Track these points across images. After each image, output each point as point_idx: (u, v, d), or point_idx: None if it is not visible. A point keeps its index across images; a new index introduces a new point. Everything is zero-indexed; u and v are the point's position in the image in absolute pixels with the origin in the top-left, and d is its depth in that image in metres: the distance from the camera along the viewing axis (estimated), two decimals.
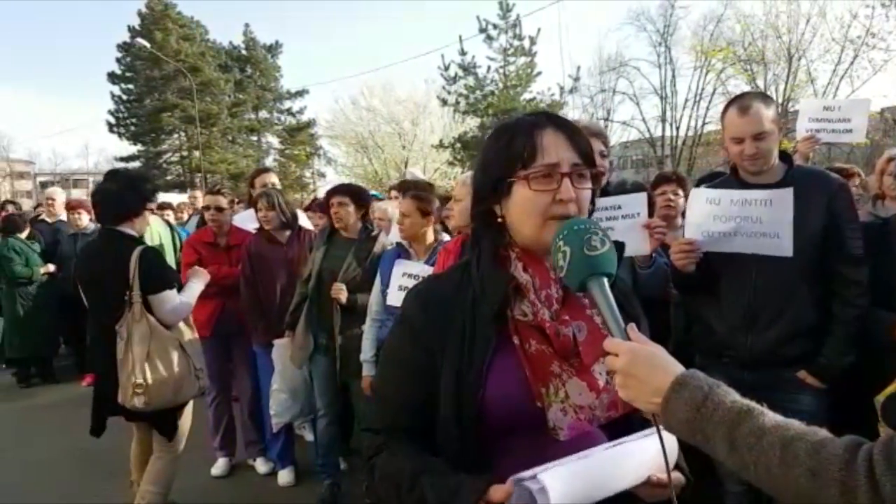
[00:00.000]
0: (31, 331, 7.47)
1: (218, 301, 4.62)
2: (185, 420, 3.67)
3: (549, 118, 1.33)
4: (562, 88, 23.62)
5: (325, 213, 4.83)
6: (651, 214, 2.82)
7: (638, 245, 2.69)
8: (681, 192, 3.93)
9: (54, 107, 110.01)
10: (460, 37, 23.59)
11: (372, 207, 4.59)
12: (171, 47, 39.32)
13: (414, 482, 1.23)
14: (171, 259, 6.07)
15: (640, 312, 1.43)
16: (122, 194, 3.45)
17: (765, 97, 2.81)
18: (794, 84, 26.15)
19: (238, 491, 4.63)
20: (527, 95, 24.04)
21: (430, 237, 3.76)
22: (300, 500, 4.42)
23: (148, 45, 35.89)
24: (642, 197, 2.76)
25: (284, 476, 4.65)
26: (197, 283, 3.76)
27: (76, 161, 62.64)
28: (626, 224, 2.67)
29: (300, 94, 45.32)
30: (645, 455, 1.13)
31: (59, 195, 8.72)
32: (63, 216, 8.35)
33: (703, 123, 28.59)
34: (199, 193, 9.71)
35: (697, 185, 3.25)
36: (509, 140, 1.31)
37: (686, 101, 29.43)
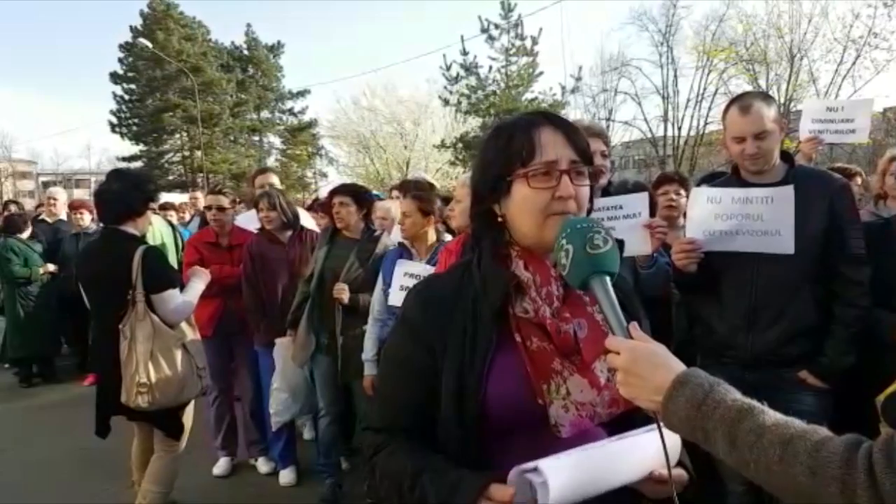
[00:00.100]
0: (32, 331, 7.47)
1: (219, 301, 4.63)
2: (187, 419, 3.67)
3: (546, 117, 1.34)
4: (563, 88, 23.63)
5: (327, 214, 4.84)
6: (653, 214, 2.82)
7: (639, 245, 2.69)
8: (683, 192, 3.93)
9: (55, 107, 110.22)
10: (462, 37, 23.60)
11: (374, 207, 4.59)
12: (172, 47, 39.39)
13: (415, 479, 1.23)
14: (173, 259, 6.08)
15: (641, 312, 1.44)
16: (124, 194, 3.46)
17: (766, 97, 2.81)
18: (796, 84, 26.11)
19: (239, 490, 4.63)
20: (529, 95, 24.02)
21: (432, 237, 3.77)
22: (302, 499, 4.42)
23: (150, 45, 35.92)
24: (643, 197, 2.76)
25: (286, 476, 4.65)
26: (198, 283, 3.76)
27: (78, 161, 62.76)
28: (628, 224, 2.67)
29: (302, 94, 45.46)
30: (647, 450, 1.13)
31: (61, 195, 8.73)
32: (63, 216, 8.36)
33: (705, 123, 28.53)
34: (200, 193, 9.72)
35: (698, 185, 3.25)
36: (508, 139, 1.32)
37: (688, 100, 29.40)
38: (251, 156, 43.00)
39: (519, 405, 1.24)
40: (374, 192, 6.70)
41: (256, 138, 45.98)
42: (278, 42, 45.90)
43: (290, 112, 46.14)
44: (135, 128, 42.58)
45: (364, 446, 1.42)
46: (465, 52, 23.70)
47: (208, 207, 4.87)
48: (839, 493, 0.88)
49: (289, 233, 4.64)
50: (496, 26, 23.25)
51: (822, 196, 2.63)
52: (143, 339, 3.32)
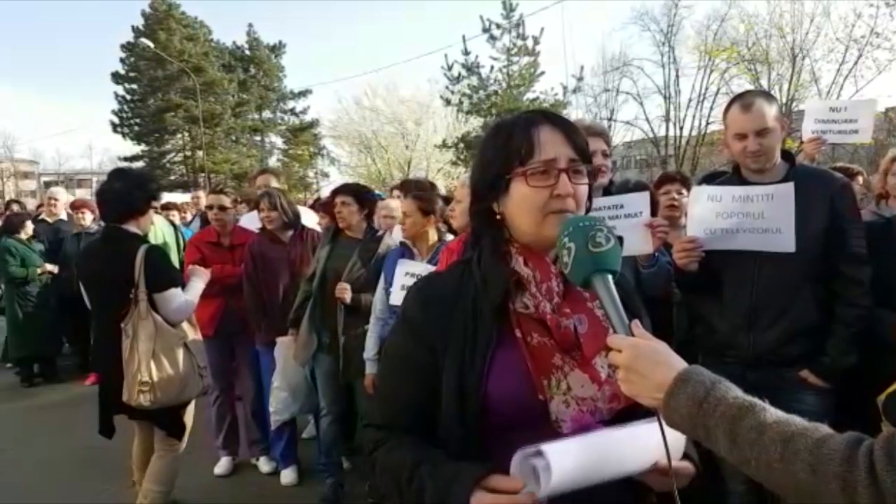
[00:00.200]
0: (31, 331, 7.47)
1: (221, 300, 4.64)
2: (188, 418, 3.68)
3: (545, 115, 1.35)
4: (565, 88, 23.63)
5: (327, 213, 4.85)
6: (654, 214, 2.82)
7: (640, 244, 2.69)
8: (685, 192, 3.92)
9: (55, 107, 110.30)
10: (464, 36, 23.58)
11: (379, 206, 4.60)
12: (174, 47, 39.46)
13: (413, 471, 1.24)
14: (174, 259, 6.08)
15: (642, 310, 1.44)
16: (127, 193, 3.46)
17: (767, 95, 2.81)
18: (798, 84, 26.13)
19: (241, 490, 4.63)
20: (530, 95, 24.02)
21: (433, 237, 3.77)
22: (303, 499, 4.42)
23: (151, 45, 35.97)
24: (645, 196, 2.76)
25: (287, 475, 4.65)
26: (198, 282, 3.77)
27: (80, 161, 62.92)
28: (629, 223, 2.67)
29: (303, 94, 45.52)
30: (651, 440, 1.13)
31: (62, 195, 8.73)
32: (63, 216, 8.36)
33: (707, 123, 28.56)
34: (202, 193, 9.73)
35: (699, 184, 3.25)
36: (507, 138, 1.33)
37: (690, 100, 29.44)
38: (253, 156, 43.05)
39: (520, 401, 1.24)
40: (377, 192, 6.70)
41: (258, 138, 46.02)
42: (280, 42, 46.03)
43: (292, 112, 46.22)
44: (136, 128, 42.65)
45: (364, 442, 1.42)
46: (466, 52, 23.72)
47: (210, 207, 4.88)
48: (840, 491, 0.88)
49: (290, 232, 4.65)
50: (498, 26, 23.24)
51: (822, 195, 2.63)
52: (146, 338, 3.33)
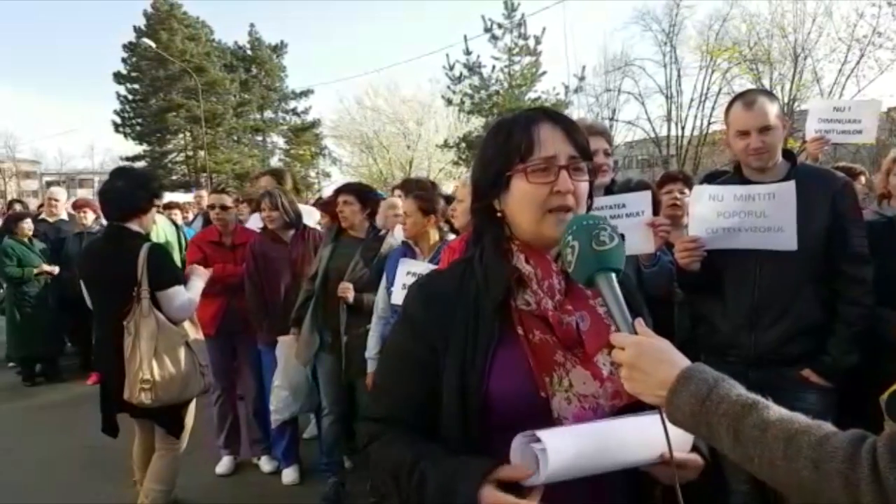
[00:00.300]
0: (31, 330, 7.46)
1: (222, 300, 4.65)
2: (189, 417, 3.68)
3: (545, 113, 1.35)
4: (567, 88, 23.60)
5: (327, 213, 4.86)
6: (656, 213, 2.82)
7: (642, 243, 2.69)
8: (687, 192, 3.91)
9: (55, 107, 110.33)
10: (465, 36, 23.58)
11: (383, 204, 4.61)
12: (176, 47, 39.49)
13: (413, 465, 1.23)
14: (176, 258, 6.08)
15: (644, 309, 1.44)
16: (130, 191, 3.47)
17: (769, 94, 2.82)
18: (800, 83, 26.08)
19: (242, 489, 4.63)
20: (532, 95, 24.01)
21: (434, 236, 3.78)
22: (304, 498, 4.42)
23: (153, 45, 36.00)
24: (646, 195, 2.76)
25: (289, 474, 4.66)
26: (198, 281, 3.77)
27: (82, 161, 62.97)
28: (631, 222, 2.67)
29: (305, 94, 45.53)
30: (657, 432, 1.12)
31: (62, 195, 8.74)
32: (64, 216, 8.36)
33: (709, 123, 28.54)
34: (204, 193, 9.74)
35: (700, 184, 3.25)
36: (507, 135, 1.33)
37: (691, 100, 29.42)
38: (254, 156, 43.07)
39: (521, 399, 1.24)
40: (379, 192, 6.70)
41: (260, 138, 46.06)
42: (281, 42, 46.02)
43: (294, 112, 46.23)
44: (138, 128, 42.69)
45: (360, 435, 1.42)
46: (468, 52, 23.71)
47: (211, 207, 4.89)
48: (842, 488, 0.88)
49: (291, 232, 4.65)
50: (499, 26, 23.23)
51: (824, 195, 2.63)
52: (147, 336, 3.33)
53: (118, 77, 42.60)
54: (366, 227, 4.21)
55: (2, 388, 7.49)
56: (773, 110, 2.64)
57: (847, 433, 0.93)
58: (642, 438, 1.17)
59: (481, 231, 1.41)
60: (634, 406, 1.24)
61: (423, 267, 3.47)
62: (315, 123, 44.15)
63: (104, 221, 5.20)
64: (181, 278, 3.61)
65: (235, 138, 43.17)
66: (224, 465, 4.86)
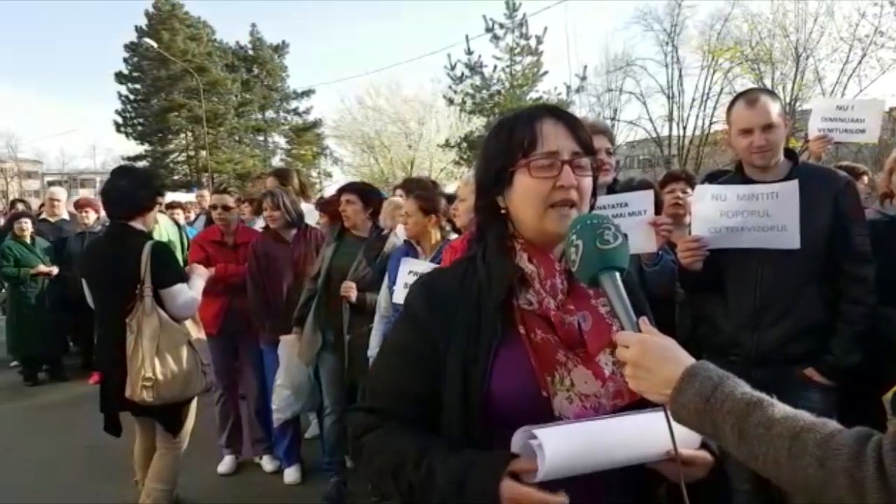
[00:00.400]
0: (31, 331, 7.45)
1: (225, 299, 4.66)
2: (190, 416, 3.68)
3: (548, 110, 1.35)
4: (568, 88, 23.52)
5: (325, 213, 4.86)
6: (658, 213, 2.82)
7: (644, 242, 2.69)
8: (690, 191, 3.91)
9: (55, 107, 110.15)
10: (467, 36, 23.52)
11: (387, 203, 4.61)
12: (177, 47, 39.52)
13: (420, 459, 1.22)
14: (179, 258, 6.08)
15: (647, 308, 1.44)
16: (133, 190, 3.49)
17: (771, 92, 2.83)
18: (802, 83, 26.06)
19: (244, 489, 4.64)
20: (533, 95, 23.94)
21: (436, 236, 3.78)
22: (306, 497, 4.42)
23: (155, 44, 36.02)
24: (649, 194, 2.76)
25: (290, 474, 4.66)
26: (199, 280, 3.78)
27: (84, 161, 62.98)
28: (633, 221, 2.66)
29: (306, 93, 45.58)
30: (660, 429, 1.11)
31: (62, 194, 8.75)
32: (65, 215, 8.36)
33: (711, 123, 28.53)
34: (206, 193, 9.74)
35: (702, 183, 3.25)
36: (510, 132, 1.33)
37: (693, 100, 29.41)
38: (256, 155, 43.10)
39: (523, 398, 1.24)
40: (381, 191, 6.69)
41: (261, 138, 46.08)
42: (283, 42, 46.07)
43: (295, 112, 46.26)
44: (140, 128, 42.74)
45: (353, 425, 1.40)
46: (469, 52, 23.67)
47: (214, 207, 4.91)
48: (847, 486, 0.88)
49: (293, 232, 4.65)
50: (501, 26, 23.19)
51: (826, 194, 2.63)
52: (150, 334, 3.34)
53: (120, 77, 42.65)
54: (368, 226, 4.22)
55: (3, 388, 7.49)
56: (775, 108, 2.65)
57: (852, 431, 0.93)
58: (647, 435, 1.16)
59: (484, 229, 1.40)
60: (636, 405, 1.24)
61: (424, 266, 3.47)
62: (316, 123, 44.18)
63: (106, 221, 5.19)
64: (184, 276, 3.62)
65: (237, 138, 43.20)
66: (226, 464, 4.86)
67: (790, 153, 2.80)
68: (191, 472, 4.17)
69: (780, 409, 0.99)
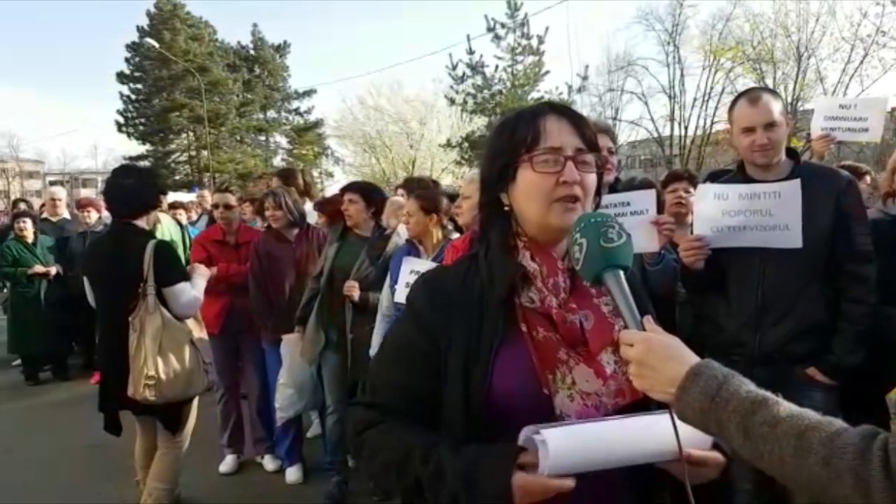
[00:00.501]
0: (34, 329, 7.44)
1: (227, 299, 4.66)
2: (192, 415, 3.69)
3: (551, 107, 1.34)
4: (570, 87, 23.51)
5: (323, 213, 4.87)
6: (660, 212, 2.81)
7: (646, 242, 2.68)
8: (692, 190, 3.91)
9: (56, 107, 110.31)
10: (468, 36, 23.53)
11: (390, 203, 4.61)
12: (179, 47, 39.55)
13: (428, 454, 1.21)
14: (182, 258, 6.08)
15: (650, 306, 1.43)
16: (141, 189, 3.50)
17: (773, 91, 2.83)
18: (804, 83, 26.06)
19: (246, 488, 4.63)
20: (535, 94, 23.91)
21: (437, 235, 3.78)
22: (307, 497, 4.42)
23: (156, 44, 36.09)
24: (651, 194, 2.75)
25: (292, 473, 4.66)
26: (200, 279, 3.78)
27: (85, 160, 63.05)
28: (635, 220, 2.66)
29: (308, 93, 45.61)
30: (669, 430, 1.11)
31: (62, 193, 8.76)
32: (66, 214, 8.36)
33: (712, 123, 28.54)
34: (206, 193, 9.75)
35: (704, 182, 3.25)
36: (513, 128, 1.33)
37: (695, 100, 29.43)
38: (257, 156, 43.13)
39: (524, 396, 1.24)
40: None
41: (263, 138, 46.12)
42: (284, 42, 46.11)
43: (297, 112, 46.29)
44: (141, 127, 42.77)
45: (351, 422, 1.39)
46: (471, 52, 23.67)
47: (215, 206, 4.91)
48: (853, 484, 0.88)
49: (295, 231, 4.66)
50: (502, 25, 23.20)
51: (828, 193, 2.63)
52: (153, 333, 3.35)
53: (121, 77, 42.68)
54: (371, 225, 4.22)
55: (5, 388, 7.50)
56: (777, 107, 2.66)
57: (858, 429, 0.93)
58: (655, 436, 1.15)
59: (487, 227, 1.40)
60: (638, 404, 1.24)
61: (426, 265, 3.48)
62: (318, 123, 44.22)
63: (107, 220, 5.18)
64: (187, 275, 3.63)
65: (238, 138, 43.23)
66: (227, 463, 4.86)
67: (792, 152, 2.80)
68: (192, 472, 4.17)
69: (786, 407, 0.99)
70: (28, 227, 7.50)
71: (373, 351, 3.78)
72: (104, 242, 3.71)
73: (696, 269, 2.71)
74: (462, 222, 3.74)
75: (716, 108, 28.19)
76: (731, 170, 3.12)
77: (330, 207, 4.88)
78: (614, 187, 3.04)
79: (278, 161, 43.68)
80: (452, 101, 24.89)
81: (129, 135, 42.85)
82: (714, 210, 2.68)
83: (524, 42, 23.49)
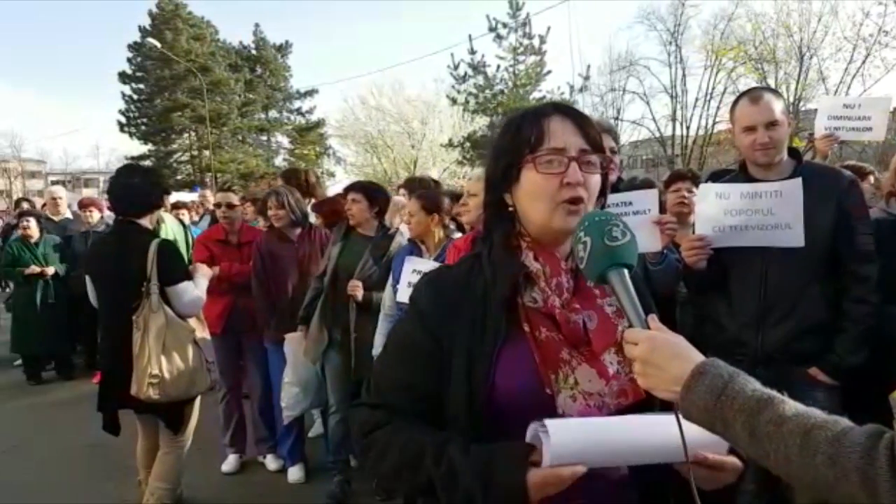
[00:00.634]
0: (37, 328, 7.43)
1: (229, 298, 4.66)
2: (193, 414, 3.69)
3: (556, 107, 1.34)
4: (572, 87, 23.52)
5: (320, 214, 4.88)
6: (662, 212, 2.82)
7: (648, 241, 2.68)
8: (695, 190, 3.91)
9: (57, 107, 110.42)
10: (470, 36, 23.55)
11: (394, 202, 4.62)
12: (181, 47, 39.58)
13: (440, 454, 1.20)
14: (185, 257, 6.08)
15: (653, 305, 1.43)
16: (146, 188, 3.51)
17: (774, 91, 2.84)
18: (806, 83, 26.05)
19: (248, 488, 4.64)
20: (536, 94, 23.93)
21: (439, 234, 3.79)
22: (309, 497, 4.42)
23: (158, 44, 36.13)
24: (653, 193, 2.76)
25: (294, 473, 4.66)
26: (202, 279, 3.79)
27: (87, 160, 63.16)
28: (637, 220, 2.66)
29: (310, 93, 45.59)
30: (675, 431, 1.10)
31: (63, 192, 8.77)
32: (68, 214, 8.37)
33: (714, 122, 28.54)
34: (208, 193, 9.75)
35: (705, 182, 3.25)
36: (517, 128, 1.33)
37: (696, 100, 29.41)
38: (259, 155, 43.17)
39: (527, 395, 1.24)
40: None
41: (264, 138, 46.14)
42: (286, 42, 46.09)
43: (298, 112, 46.29)
44: (143, 127, 42.79)
45: (358, 422, 1.38)
46: (472, 51, 23.67)
47: (218, 205, 4.91)
48: (860, 484, 0.88)
49: (297, 230, 4.66)
50: (504, 25, 23.20)
51: (830, 193, 2.63)
52: (156, 332, 3.35)
53: (123, 77, 42.70)
54: (375, 225, 4.22)
55: (7, 387, 7.50)
56: (778, 106, 2.66)
57: (864, 428, 0.93)
58: (661, 436, 1.15)
59: (491, 226, 1.40)
60: (641, 404, 1.24)
61: (428, 265, 3.48)
62: (319, 123, 44.20)
63: (109, 220, 5.18)
64: (190, 274, 3.64)
65: (240, 138, 43.25)
66: (230, 463, 4.87)
67: (794, 152, 2.80)
68: (194, 471, 4.18)
69: (791, 406, 0.98)
70: (32, 226, 7.48)
71: (376, 351, 3.78)
72: (108, 242, 3.72)
73: (699, 269, 2.71)
74: (467, 220, 3.74)
75: (718, 107, 28.20)
76: (733, 169, 3.12)
77: (325, 208, 4.89)
78: (616, 187, 3.04)
79: (280, 161, 43.72)
80: (454, 101, 24.90)
81: (131, 135, 42.89)
82: (716, 210, 2.68)
83: (526, 42, 23.51)
